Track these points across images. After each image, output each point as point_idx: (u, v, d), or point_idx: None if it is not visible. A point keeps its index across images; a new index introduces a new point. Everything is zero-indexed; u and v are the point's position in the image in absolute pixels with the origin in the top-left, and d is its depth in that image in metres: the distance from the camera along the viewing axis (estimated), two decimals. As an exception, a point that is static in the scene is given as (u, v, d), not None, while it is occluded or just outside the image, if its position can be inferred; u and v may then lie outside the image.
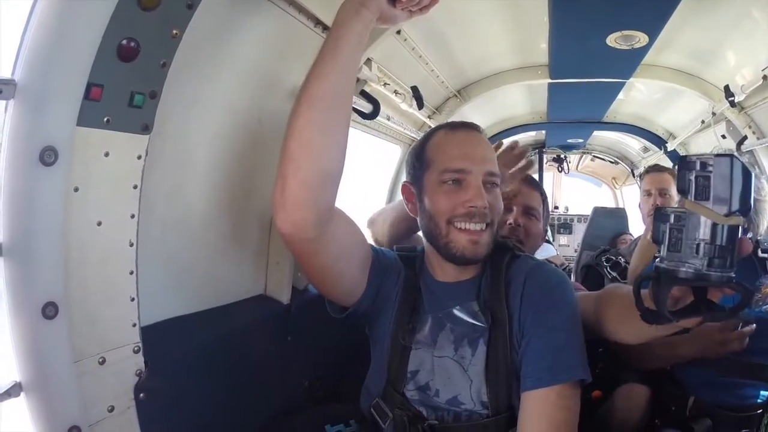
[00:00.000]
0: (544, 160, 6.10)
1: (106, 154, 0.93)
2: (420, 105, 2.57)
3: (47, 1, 0.78)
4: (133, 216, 1.00)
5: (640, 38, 2.13)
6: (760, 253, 1.55)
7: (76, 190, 0.89)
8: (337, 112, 1.03)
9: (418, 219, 1.29)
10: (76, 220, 0.90)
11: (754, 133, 2.69)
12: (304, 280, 1.66)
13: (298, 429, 1.46)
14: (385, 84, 2.19)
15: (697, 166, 0.84)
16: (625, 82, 2.86)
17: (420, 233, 1.32)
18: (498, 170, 1.25)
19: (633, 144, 5.26)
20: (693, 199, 0.84)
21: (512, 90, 3.21)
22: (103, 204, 0.95)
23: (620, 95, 3.23)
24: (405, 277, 1.29)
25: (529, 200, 1.79)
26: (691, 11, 1.91)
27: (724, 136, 2.90)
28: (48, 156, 0.81)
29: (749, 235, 1.52)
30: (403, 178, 1.34)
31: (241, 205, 1.46)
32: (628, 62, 2.48)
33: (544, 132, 5.03)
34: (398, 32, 1.99)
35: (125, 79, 0.92)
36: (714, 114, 2.83)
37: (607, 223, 4.35)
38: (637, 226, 4.00)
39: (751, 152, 2.80)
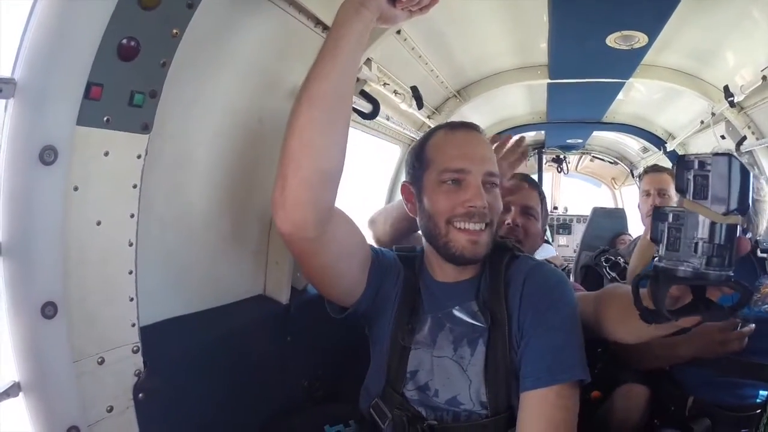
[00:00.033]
0: (544, 161, 6.10)
1: (106, 154, 0.93)
2: (419, 105, 2.57)
3: (47, 0, 0.78)
4: (132, 215, 1.00)
5: (640, 38, 2.13)
6: (759, 253, 1.55)
7: (76, 189, 0.89)
8: (338, 112, 1.03)
9: (418, 219, 1.29)
10: (76, 220, 0.90)
11: (753, 133, 2.69)
12: (303, 280, 1.66)
13: (297, 429, 1.46)
14: (384, 84, 2.19)
15: (696, 166, 0.84)
16: (625, 82, 2.86)
17: (419, 233, 1.32)
18: (497, 170, 1.26)
19: (632, 144, 5.27)
20: (691, 198, 0.84)
21: (512, 90, 3.21)
22: (102, 203, 0.95)
23: (620, 95, 3.24)
24: (404, 278, 1.29)
25: (527, 200, 1.79)
26: (691, 11, 1.91)
27: (723, 137, 2.90)
28: (48, 155, 0.81)
29: (748, 235, 1.52)
30: (403, 178, 1.34)
31: (241, 205, 1.46)
32: (628, 62, 2.48)
33: (543, 132, 5.03)
34: (398, 32, 1.99)
35: (125, 79, 0.92)
36: (713, 114, 2.82)
37: (607, 223, 4.36)
38: (636, 227, 4.01)
39: (750, 153, 2.80)
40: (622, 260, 2.71)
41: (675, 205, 0.89)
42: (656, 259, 0.87)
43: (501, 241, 1.32)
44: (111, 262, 0.98)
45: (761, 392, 1.47)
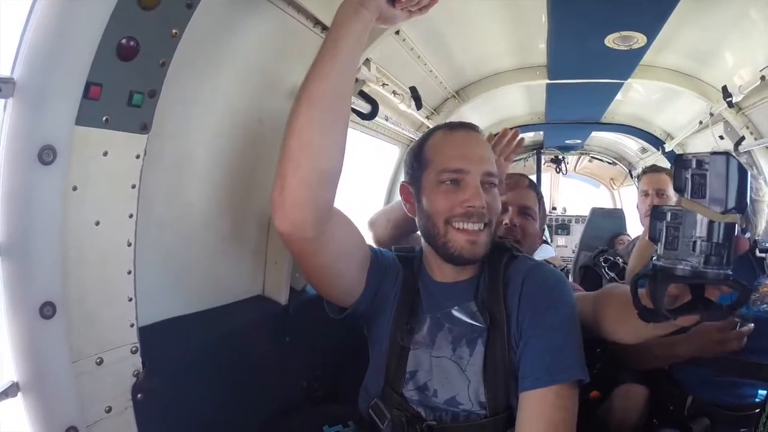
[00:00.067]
0: (542, 161, 6.11)
1: (105, 154, 0.93)
2: (418, 105, 2.57)
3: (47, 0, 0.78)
4: (131, 216, 1.00)
5: (639, 39, 2.13)
6: (757, 253, 1.56)
7: (75, 189, 0.89)
8: (337, 112, 1.03)
9: (416, 219, 1.29)
10: (75, 220, 0.90)
11: (751, 133, 2.69)
12: (302, 280, 1.66)
13: (296, 429, 1.46)
14: (383, 84, 2.19)
15: (693, 165, 0.85)
16: (623, 82, 2.86)
17: (419, 233, 1.32)
18: (496, 170, 1.26)
19: (631, 145, 5.27)
20: (689, 197, 0.85)
21: (511, 91, 3.21)
22: (101, 203, 0.95)
23: (618, 96, 3.24)
24: (403, 278, 1.29)
25: (524, 200, 1.80)
26: (690, 12, 1.91)
27: (721, 137, 2.90)
28: (46, 155, 0.81)
29: (747, 234, 1.53)
30: (402, 178, 1.34)
31: (240, 205, 1.46)
32: (627, 63, 2.48)
33: (542, 133, 5.03)
34: (397, 32, 1.99)
35: (124, 79, 0.92)
36: (712, 115, 2.82)
37: (605, 223, 4.36)
38: (634, 227, 4.01)
39: (748, 153, 2.80)
40: (620, 260, 2.71)
41: (673, 204, 0.89)
42: (655, 258, 0.88)
43: (500, 241, 1.32)
44: (110, 263, 0.98)
45: (760, 391, 1.47)
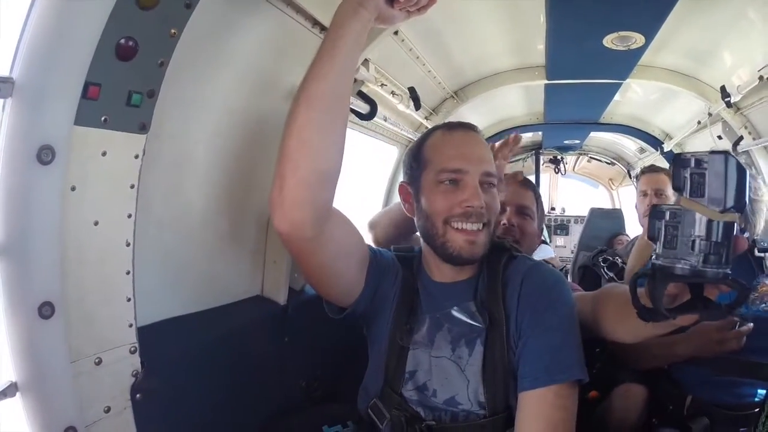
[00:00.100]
0: (541, 162, 6.11)
1: (104, 154, 0.93)
2: (417, 106, 2.58)
3: (46, -1, 0.78)
4: (130, 216, 1.00)
5: (637, 39, 2.14)
6: (756, 253, 1.56)
7: (73, 189, 0.89)
8: (335, 112, 1.03)
9: (415, 219, 1.29)
10: (73, 220, 0.90)
11: (750, 133, 2.69)
12: (300, 280, 1.66)
13: (296, 430, 1.46)
14: (382, 85, 2.19)
15: (692, 164, 0.85)
16: (622, 83, 2.86)
17: (418, 233, 1.32)
18: (495, 170, 1.26)
19: (629, 145, 5.28)
20: (688, 196, 0.85)
21: (509, 91, 3.22)
22: (100, 203, 0.94)
23: (617, 96, 3.24)
24: (402, 278, 1.29)
25: (522, 200, 1.80)
26: (688, 12, 1.91)
27: (720, 137, 2.91)
28: (45, 155, 0.81)
29: (746, 234, 1.53)
30: (400, 179, 1.34)
31: (239, 205, 1.46)
32: (625, 63, 2.48)
33: (540, 133, 5.04)
34: (395, 33, 1.99)
35: (123, 78, 0.92)
36: (710, 115, 2.83)
37: (604, 224, 4.37)
38: (633, 227, 4.02)
39: (747, 153, 2.81)
40: (619, 260, 2.72)
41: (672, 203, 0.89)
42: (654, 257, 0.88)
43: (499, 241, 1.32)
44: (108, 263, 0.97)
45: (759, 391, 1.47)
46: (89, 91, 0.86)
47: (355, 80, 1.92)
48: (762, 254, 1.55)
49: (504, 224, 1.75)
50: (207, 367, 1.26)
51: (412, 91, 2.50)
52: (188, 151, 1.27)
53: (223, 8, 1.18)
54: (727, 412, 1.47)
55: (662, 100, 3.34)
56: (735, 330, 1.41)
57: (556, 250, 4.95)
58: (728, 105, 2.51)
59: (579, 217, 6.31)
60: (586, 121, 4.20)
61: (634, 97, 3.48)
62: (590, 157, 6.41)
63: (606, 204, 7.16)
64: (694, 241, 0.83)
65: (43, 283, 0.84)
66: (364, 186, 3.43)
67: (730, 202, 0.83)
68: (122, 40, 0.89)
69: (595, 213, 4.52)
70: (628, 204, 5.73)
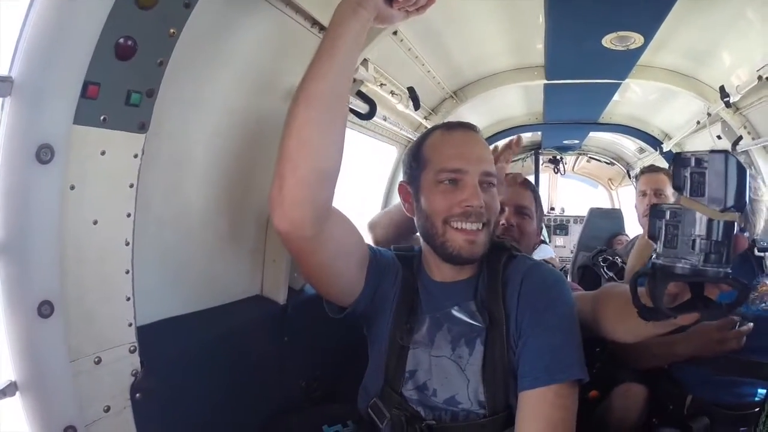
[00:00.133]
0: (540, 162, 6.12)
1: (103, 153, 0.93)
2: (416, 106, 2.58)
3: (45, -2, 0.78)
4: (129, 215, 1.00)
5: (636, 39, 2.14)
6: (756, 252, 1.56)
7: (72, 188, 0.89)
8: (335, 112, 1.03)
9: (415, 219, 1.29)
10: (72, 219, 0.90)
11: (749, 133, 2.70)
12: (300, 280, 1.66)
13: (295, 429, 1.46)
14: (381, 85, 2.19)
15: (692, 163, 0.85)
16: (621, 83, 2.86)
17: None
18: (494, 170, 1.26)
19: (629, 145, 5.28)
20: (688, 196, 0.85)
21: (508, 91, 3.22)
22: (99, 202, 0.94)
23: (616, 96, 3.24)
24: (403, 277, 1.29)
25: (520, 199, 1.80)
26: (687, 12, 1.92)
27: (719, 137, 2.91)
28: (44, 154, 0.81)
29: (746, 234, 1.53)
30: (400, 178, 1.34)
31: (238, 204, 1.46)
32: (624, 63, 2.49)
33: (540, 133, 5.04)
34: (395, 33, 1.99)
35: (122, 78, 0.92)
36: (709, 115, 2.84)
37: (603, 224, 4.37)
38: (633, 227, 4.02)
39: (746, 152, 2.81)
40: (619, 260, 2.72)
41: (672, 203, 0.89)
42: (654, 256, 0.88)
43: (498, 241, 1.32)
44: (108, 262, 0.97)
45: (760, 390, 1.47)
46: (88, 90, 0.86)
47: (355, 80, 1.92)
48: (762, 254, 1.56)
49: (503, 224, 1.75)
50: (206, 367, 1.26)
51: (412, 91, 2.50)
52: (188, 150, 1.27)
53: (222, 8, 1.18)
54: (728, 411, 1.47)
55: (661, 100, 3.34)
56: (735, 329, 1.41)
57: (555, 250, 4.95)
58: (727, 105, 2.51)
59: (578, 217, 6.32)
60: (585, 121, 4.20)
61: (634, 97, 3.48)
62: (589, 157, 6.42)
63: (605, 204, 7.16)
64: (694, 241, 0.83)
65: (43, 282, 0.84)
66: (364, 186, 3.43)
67: (731, 202, 0.83)
68: (121, 40, 0.89)
69: (595, 213, 4.53)
70: (628, 204, 5.74)
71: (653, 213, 0.88)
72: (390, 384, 1.22)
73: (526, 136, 5.08)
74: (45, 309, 0.84)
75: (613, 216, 4.57)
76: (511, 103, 3.78)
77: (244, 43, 1.31)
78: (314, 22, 1.45)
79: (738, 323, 1.42)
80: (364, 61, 1.90)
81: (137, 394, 1.01)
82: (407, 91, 2.49)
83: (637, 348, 1.38)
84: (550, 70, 2.74)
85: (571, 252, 5.41)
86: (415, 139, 1.99)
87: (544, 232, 4.73)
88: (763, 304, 1.44)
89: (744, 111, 2.66)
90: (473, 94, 3.03)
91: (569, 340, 1.15)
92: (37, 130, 0.80)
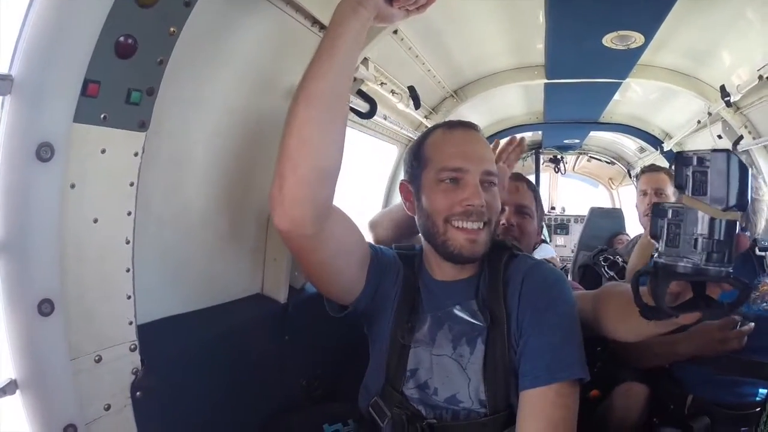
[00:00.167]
0: (541, 161, 6.12)
1: (103, 151, 0.92)
2: (417, 105, 2.57)
3: (45, -3, 0.78)
4: (129, 213, 1.00)
5: (636, 38, 2.14)
6: (757, 252, 1.56)
7: (73, 186, 0.89)
8: (335, 111, 1.03)
9: (416, 217, 1.29)
10: (73, 217, 0.90)
11: (750, 132, 2.69)
12: (301, 278, 1.66)
13: (296, 428, 1.46)
14: (381, 84, 2.19)
15: (694, 162, 0.85)
16: (621, 82, 2.86)
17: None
18: (495, 169, 1.26)
19: (629, 144, 5.28)
20: (690, 195, 0.85)
21: (509, 90, 3.22)
22: (99, 201, 0.94)
23: (616, 96, 3.24)
24: (404, 276, 1.29)
25: (520, 199, 1.80)
26: (687, 11, 1.91)
27: (720, 136, 2.91)
28: (44, 152, 0.80)
29: (747, 233, 1.53)
30: (401, 177, 1.34)
31: (239, 203, 1.46)
32: (624, 62, 2.49)
33: (540, 132, 5.04)
34: (395, 32, 1.99)
35: (122, 76, 0.92)
36: (710, 114, 2.83)
37: (604, 223, 4.38)
38: (633, 227, 4.02)
39: (747, 152, 2.81)
40: (620, 259, 2.72)
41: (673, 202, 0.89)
42: (656, 255, 0.88)
43: (500, 240, 1.32)
44: (108, 260, 0.97)
45: (761, 390, 1.47)
46: (88, 88, 0.85)
47: (355, 79, 1.92)
48: (763, 253, 1.56)
49: (503, 224, 1.75)
50: (207, 366, 1.26)
51: (412, 90, 2.50)
52: (188, 148, 1.27)
53: (223, 7, 1.17)
54: (729, 411, 1.47)
55: (662, 99, 3.34)
56: (736, 329, 1.41)
57: (556, 250, 4.96)
58: (728, 104, 2.51)
59: (579, 216, 6.32)
60: (585, 120, 4.20)
61: (634, 97, 3.48)
62: (590, 157, 6.42)
63: (606, 203, 7.17)
64: (696, 240, 0.83)
65: (43, 281, 0.84)
66: (365, 185, 3.42)
67: (733, 201, 0.83)
68: (121, 38, 0.88)
69: (595, 212, 4.53)
70: (628, 203, 5.73)
71: (655, 212, 0.87)
72: (391, 383, 1.21)
73: (527, 136, 5.08)
74: (45, 307, 0.83)
75: (614, 215, 4.58)
76: (511, 103, 3.77)
77: (244, 42, 1.30)
78: (314, 21, 1.44)
79: (739, 323, 1.42)
80: (365, 60, 1.89)
81: (138, 393, 1.01)
82: (407, 90, 2.49)
83: (638, 347, 1.38)
84: (550, 70, 2.73)
85: (572, 251, 5.42)
86: (415, 138, 1.99)
87: (545, 231, 4.73)
88: (765, 304, 1.44)
89: (744, 110, 2.66)
90: (473, 94, 3.03)
91: (570, 339, 1.15)
92: (38, 129, 0.80)
